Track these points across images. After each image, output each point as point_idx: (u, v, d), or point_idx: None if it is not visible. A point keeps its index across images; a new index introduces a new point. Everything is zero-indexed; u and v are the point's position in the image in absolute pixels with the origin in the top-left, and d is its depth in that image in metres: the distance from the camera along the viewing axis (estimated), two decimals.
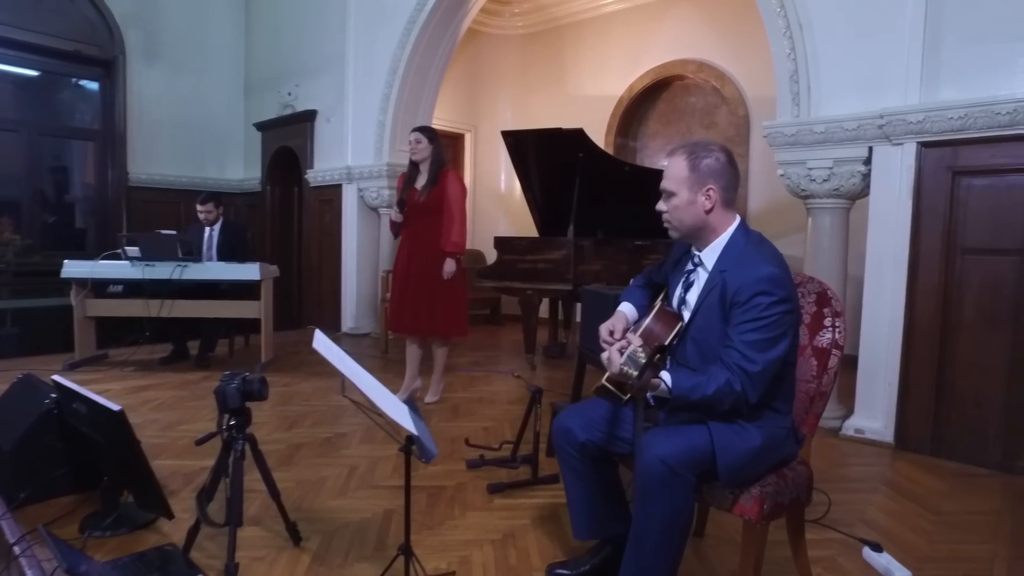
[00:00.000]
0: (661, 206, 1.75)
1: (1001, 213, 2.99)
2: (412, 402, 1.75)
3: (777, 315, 1.54)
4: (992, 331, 3.02)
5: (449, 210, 3.75)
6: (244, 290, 4.82)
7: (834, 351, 1.77)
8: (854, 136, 3.30)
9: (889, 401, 3.26)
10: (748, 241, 1.68)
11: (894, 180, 3.22)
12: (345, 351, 1.78)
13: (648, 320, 1.78)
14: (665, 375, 1.54)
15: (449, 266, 3.74)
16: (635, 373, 1.41)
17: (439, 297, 3.78)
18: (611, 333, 1.82)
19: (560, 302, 5.83)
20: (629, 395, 1.71)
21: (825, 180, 3.42)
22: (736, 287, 1.58)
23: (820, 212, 3.52)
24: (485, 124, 7.98)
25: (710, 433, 1.57)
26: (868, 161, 3.32)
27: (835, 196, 3.44)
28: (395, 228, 3.86)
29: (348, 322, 6.59)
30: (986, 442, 3.05)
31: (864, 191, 3.40)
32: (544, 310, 5.85)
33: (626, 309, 1.93)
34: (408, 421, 1.55)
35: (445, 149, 4.02)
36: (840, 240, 3.50)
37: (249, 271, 4.66)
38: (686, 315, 1.75)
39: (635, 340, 1.49)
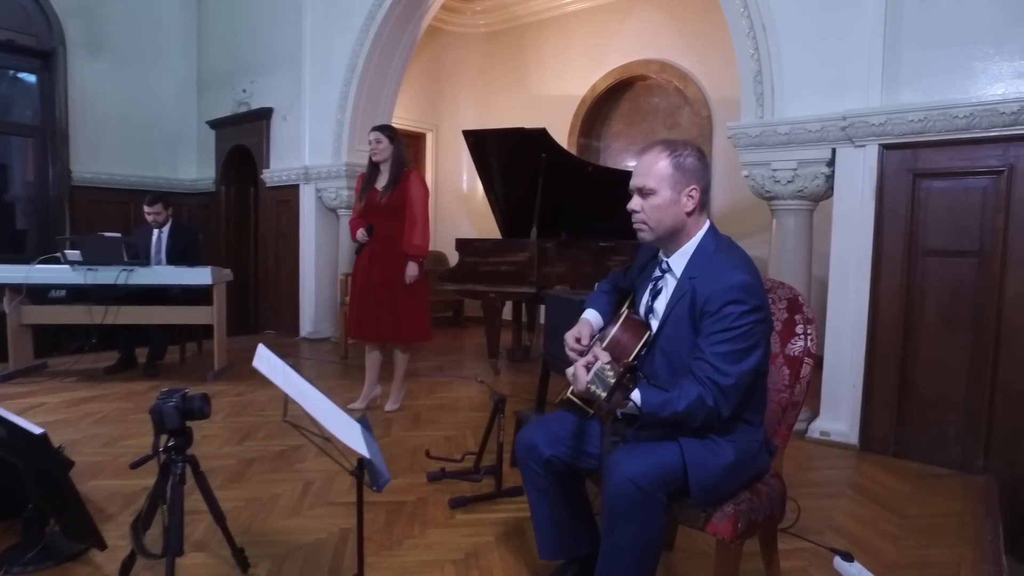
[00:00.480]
0: (635, 205, 1.63)
1: (959, 215, 3.01)
2: (365, 420, 1.63)
3: (749, 325, 1.48)
4: (952, 332, 3.04)
5: (411, 212, 3.64)
6: (196, 295, 4.62)
7: (806, 359, 1.72)
8: (818, 138, 3.29)
9: (854, 403, 3.25)
10: (718, 247, 1.61)
11: (857, 182, 3.22)
12: (292, 365, 1.66)
13: (615, 329, 1.70)
14: (634, 393, 1.45)
15: (412, 270, 3.62)
16: (603, 394, 1.31)
17: (402, 302, 3.66)
18: (577, 340, 1.74)
19: (524, 304, 5.74)
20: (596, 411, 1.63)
21: (789, 181, 3.41)
22: (706, 296, 1.51)
23: (784, 213, 3.51)
24: (446, 123, 7.85)
25: (681, 450, 1.49)
26: (831, 163, 3.31)
27: (799, 197, 3.43)
28: (360, 247, 3.72)
29: (307, 326, 6.40)
30: (946, 442, 3.07)
31: (828, 193, 3.40)
32: (508, 312, 5.77)
33: (591, 316, 1.84)
34: (360, 443, 1.44)
35: (406, 149, 3.89)
36: (804, 242, 3.49)
37: (200, 275, 4.47)
38: (654, 324, 1.67)
39: (602, 355, 1.41)
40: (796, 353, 1.73)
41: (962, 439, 3.02)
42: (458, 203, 8.00)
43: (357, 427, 1.55)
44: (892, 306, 3.16)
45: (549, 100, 7.13)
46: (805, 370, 1.71)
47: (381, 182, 3.67)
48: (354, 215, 3.80)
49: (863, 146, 3.19)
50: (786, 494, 1.70)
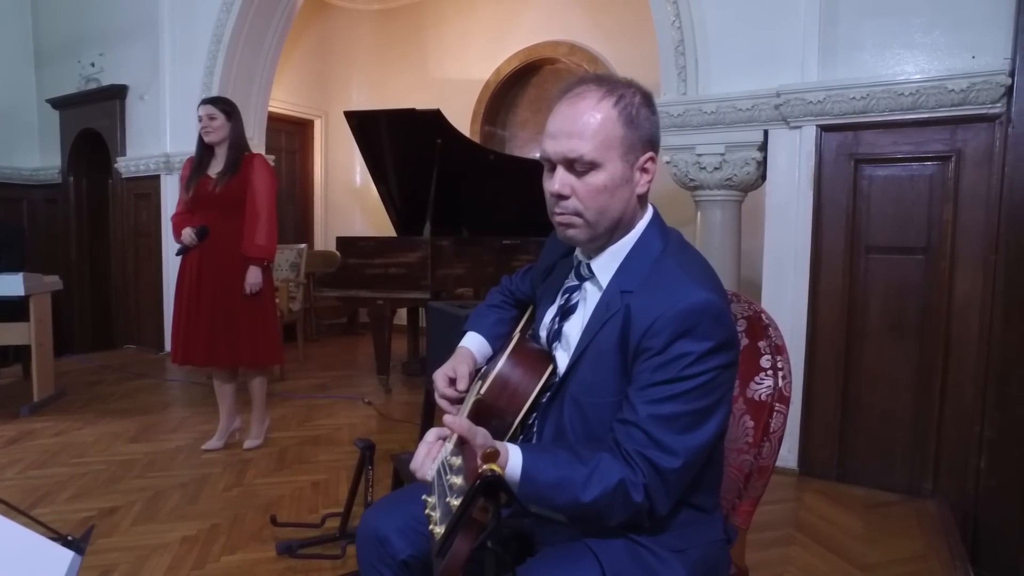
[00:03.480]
0: (560, 188, 1.02)
1: (905, 207, 2.65)
2: (87, 539, 0.98)
3: (712, 373, 0.93)
4: (898, 339, 2.68)
5: (253, 206, 2.95)
6: (20, 307, 3.71)
7: (777, 406, 1.20)
8: (748, 117, 2.86)
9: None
10: (667, 247, 1.05)
11: (793, 168, 2.81)
12: None
13: (502, 362, 1.12)
14: (515, 454, 0.89)
15: (253, 276, 2.92)
16: (437, 529, 0.70)
17: (242, 316, 2.95)
18: (451, 383, 1.16)
19: (420, 309, 5.12)
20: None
21: (716, 168, 2.96)
22: (648, 323, 0.95)
23: (710, 205, 3.07)
24: (337, 109, 7.02)
25: (601, 570, 0.93)
26: (764, 146, 2.89)
27: (727, 187, 2.99)
28: (184, 250, 2.98)
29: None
30: (893, 463, 2.71)
31: (758, 181, 2.99)
32: (402, 317, 5.14)
33: (473, 344, 1.27)
34: None
35: (252, 131, 3.20)
36: (733, 237, 3.07)
37: (9, 284, 3.59)
38: (563, 360, 1.11)
39: (458, 425, 0.82)
40: (762, 397, 1.21)
41: (909, 459, 2.67)
42: (351, 198, 7.25)
43: (66, 559, 0.90)
44: (833, 311, 2.77)
45: (450, 85, 6.51)
46: (776, 421, 1.19)
47: (215, 167, 2.97)
48: (179, 208, 3.04)
49: (799, 127, 2.78)
50: None
